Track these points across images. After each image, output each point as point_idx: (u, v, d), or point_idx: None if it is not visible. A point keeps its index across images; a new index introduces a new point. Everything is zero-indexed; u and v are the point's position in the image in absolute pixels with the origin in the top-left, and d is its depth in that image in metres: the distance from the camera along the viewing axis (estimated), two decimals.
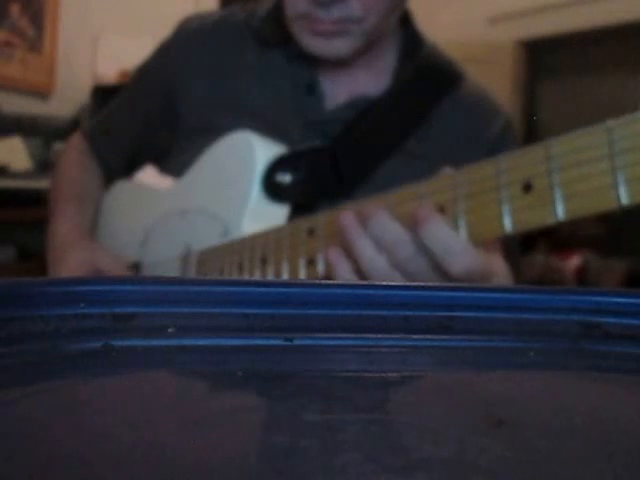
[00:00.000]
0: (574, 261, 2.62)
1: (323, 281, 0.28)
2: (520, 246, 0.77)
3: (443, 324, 0.27)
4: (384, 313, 0.26)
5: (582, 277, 2.55)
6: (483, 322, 0.27)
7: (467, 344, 0.26)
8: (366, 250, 0.47)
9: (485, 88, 0.74)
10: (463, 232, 0.46)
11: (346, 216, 0.49)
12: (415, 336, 0.26)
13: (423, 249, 0.46)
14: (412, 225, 0.46)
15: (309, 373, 0.23)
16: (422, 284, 0.28)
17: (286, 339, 0.25)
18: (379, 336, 0.26)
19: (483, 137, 0.69)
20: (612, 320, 0.27)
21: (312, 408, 0.20)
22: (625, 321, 0.27)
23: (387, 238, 0.46)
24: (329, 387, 0.22)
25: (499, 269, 0.49)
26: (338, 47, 0.64)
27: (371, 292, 0.27)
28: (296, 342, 0.25)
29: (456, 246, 0.45)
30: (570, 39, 2.98)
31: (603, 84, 2.97)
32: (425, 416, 0.20)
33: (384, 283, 0.28)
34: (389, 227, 0.46)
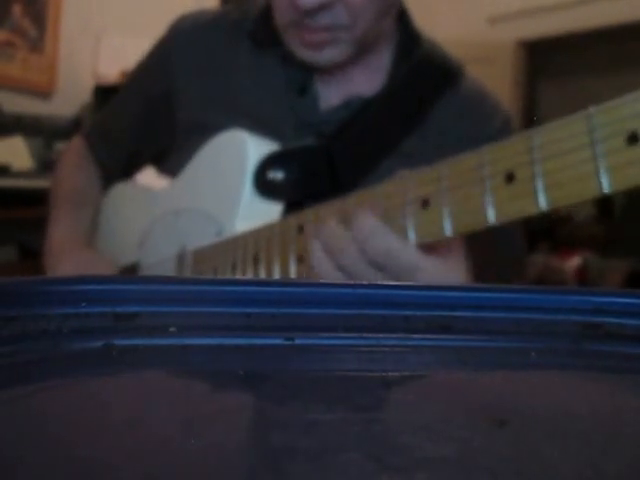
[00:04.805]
0: (574, 261, 2.61)
1: (324, 281, 0.28)
2: None
3: (444, 324, 0.27)
4: (385, 313, 0.26)
5: (582, 277, 2.55)
6: (484, 322, 0.27)
7: (468, 344, 0.26)
8: (315, 251, 0.51)
9: (484, 86, 0.74)
10: (448, 224, 0.46)
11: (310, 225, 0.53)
12: (416, 336, 0.26)
13: (366, 256, 0.48)
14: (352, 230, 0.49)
15: (310, 372, 0.23)
16: (423, 284, 0.29)
17: (287, 338, 0.25)
18: (380, 336, 0.26)
19: (482, 135, 0.68)
20: (613, 320, 0.27)
21: (313, 407, 0.20)
22: (626, 321, 0.27)
23: (332, 244, 0.49)
24: (330, 387, 0.22)
25: (438, 267, 0.48)
26: (329, 56, 0.64)
27: (372, 292, 0.27)
28: (297, 341, 0.25)
29: (376, 228, 0.47)
30: (570, 39, 2.98)
31: (603, 84, 2.97)
32: (425, 416, 0.20)
33: (385, 283, 0.28)
34: (335, 233, 0.50)
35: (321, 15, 0.60)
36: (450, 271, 0.49)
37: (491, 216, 0.44)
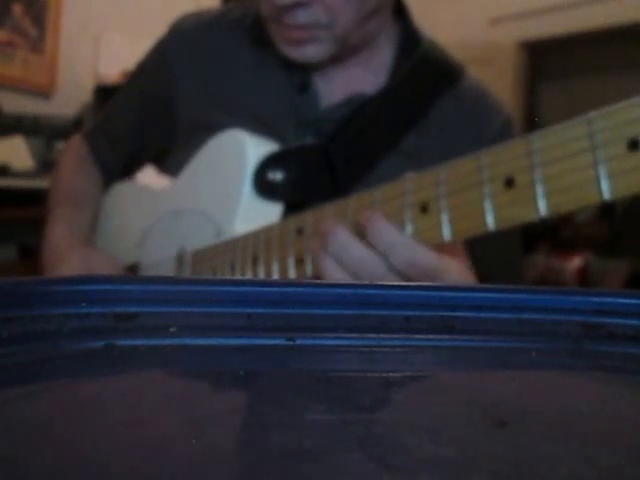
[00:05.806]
0: (575, 262, 2.61)
1: (325, 281, 0.28)
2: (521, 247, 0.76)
3: (445, 324, 0.27)
4: (386, 313, 0.26)
5: (584, 278, 2.54)
6: (485, 322, 0.27)
7: (469, 344, 0.26)
8: (327, 268, 0.48)
9: (485, 85, 0.73)
10: (447, 230, 0.46)
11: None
12: (417, 336, 0.26)
13: (389, 267, 0.47)
14: (359, 229, 0.47)
15: (311, 373, 0.23)
16: (424, 284, 0.28)
17: (288, 339, 0.25)
18: (381, 336, 0.26)
19: (482, 135, 0.68)
20: (614, 321, 0.27)
21: (314, 408, 0.20)
22: (627, 322, 0.27)
23: (347, 257, 0.47)
24: (331, 387, 0.22)
25: (454, 266, 0.48)
26: (310, 54, 0.64)
27: (373, 292, 0.27)
28: (298, 342, 0.25)
29: (398, 239, 0.46)
30: (571, 41, 2.98)
31: (604, 85, 2.97)
32: (427, 416, 0.20)
33: (386, 283, 0.28)
34: (349, 245, 0.47)
35: (299, 13, 0.61)
36: (464, 271, 0.49)
37: (490, 222, 0.43)
